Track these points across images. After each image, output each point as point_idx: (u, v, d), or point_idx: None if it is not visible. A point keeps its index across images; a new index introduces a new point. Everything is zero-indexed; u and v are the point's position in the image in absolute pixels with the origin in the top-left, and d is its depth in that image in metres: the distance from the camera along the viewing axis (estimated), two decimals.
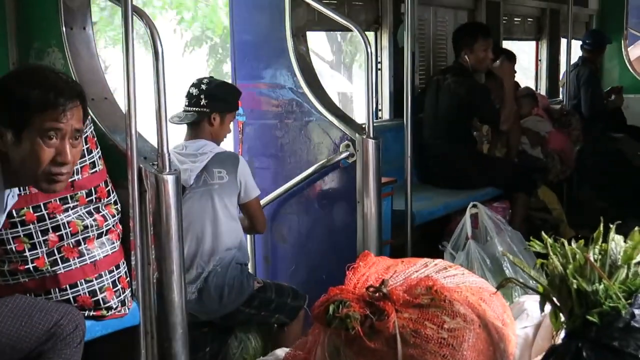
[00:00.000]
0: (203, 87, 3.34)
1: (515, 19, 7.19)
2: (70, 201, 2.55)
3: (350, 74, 11.15)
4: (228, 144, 4.19)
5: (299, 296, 3.36)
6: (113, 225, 2.67)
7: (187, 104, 3.34)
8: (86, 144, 2.59)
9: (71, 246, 2.56)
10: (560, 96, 7.58)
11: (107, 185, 2.67)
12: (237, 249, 3.29)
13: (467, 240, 3.89)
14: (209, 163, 3.23)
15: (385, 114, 5.22)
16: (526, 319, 2.20)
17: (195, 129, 3.34)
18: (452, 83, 5.07)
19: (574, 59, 7.13)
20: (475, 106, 5.13)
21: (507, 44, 6.70)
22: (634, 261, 1.64)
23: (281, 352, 2.38)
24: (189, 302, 3.02)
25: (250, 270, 3.69)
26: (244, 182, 3.30)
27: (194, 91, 3.34)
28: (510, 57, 6.02)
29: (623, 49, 8.28)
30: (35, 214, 2.50)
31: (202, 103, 3.31)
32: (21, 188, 2.46)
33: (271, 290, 3.31)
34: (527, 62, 7.62)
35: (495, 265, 3.70)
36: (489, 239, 3.89)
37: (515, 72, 6.14)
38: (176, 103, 3.32)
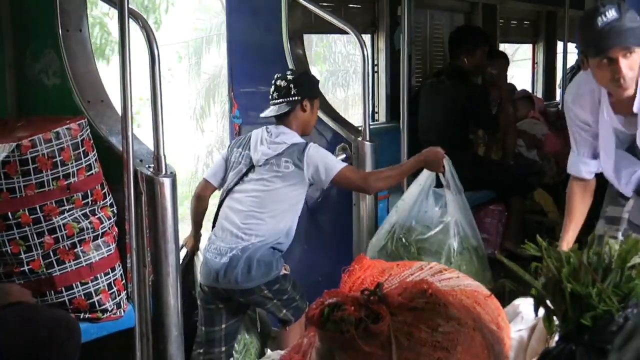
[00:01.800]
0: (289, 77, 3.43)
1: (512, 22, 7.20)
2: (66, 203, 2.56)
3: None
4: (224, 144, 4.20)
5: (304, 298, 3.40)
6: (109, 228, 2.68)
7: (276, 96, 3.41)
8: (82, 147, 2.60)
9: (67, 248, 2.56)
10: (557, 99, 7.60)
11: (103, 188, 2.67)
12: (284, 235, 3.36)
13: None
14: (282, 152, 3.31)
15: (382, 117, 5.23)
16: (521, 322, 2.20)
17: (286, 119, 3.42)
18: (451, 86, 5.07)
19: (571, 62, 7.15)
20: (474, 110, 5.13)
21: (503, 47, 6.71)
22: (628, 265, 1.65)
23: (276, 355, 2.38)
24: (212, 271, 3.22)
25: None
26: (315, 166, 3.32)
27: (282, 83, 3.42)
28: (501, 56, 6.03)
29: None
30: (31, 216, 2.50)
31: (292, 92, 3.40)
32: (16, 190, 2.47)
33: (290, 282, 3.38)
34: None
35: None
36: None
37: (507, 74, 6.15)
38: None
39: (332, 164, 3.34)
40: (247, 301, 3.38)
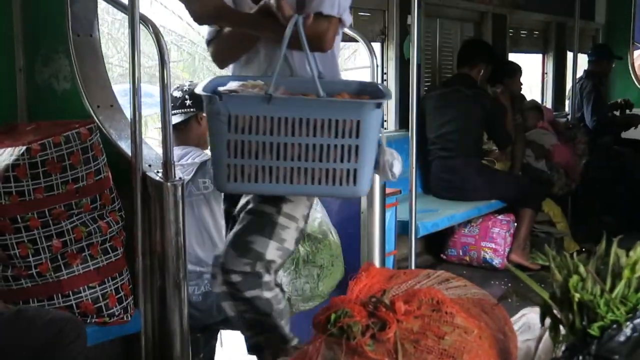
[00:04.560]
0: (186, 89, 3.34)
1: (522, 32, 7.20)
2: (74, 207, 2.56)
3: None
4: None
5: None
6: (117, 232, 2.68)
7: (171, 107, 3.18)
8: (92, 151, 2.61)
9: (75, 252, 2.57)
10: (566, 109, 7.58)
11: (111, 192, 2.68)
12: None
13: None
14: (196, 173, 3.19)
15: (391, 125, 5.23)
16: (528, 331, 2.19)
17: (182, 132, 3.31)
18: (473, 96, 5.08)
19: (580, 72, 7.14)
20: (494, 124, 5.17)
21: (513, 57, 6.71)
22: (636, 275, 1.64)
23: None
24: (192, 306, 3.04)
25: None
26: None
27: (178, 94, 3.32)
28: (516, 70, 6.04)
29: (630, 63, 8.28)
30: (40, 220, 2.51)
31: (187, 104, 3.31)
32: (25, 193, 2.48)
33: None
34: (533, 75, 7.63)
35: None
36: None
37: (522, 84, 6.16)
38: None
39: None
40: (227, 327, 3.30)
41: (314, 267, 3.31)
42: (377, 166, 2.43)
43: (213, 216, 3.22)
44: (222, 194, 3.16)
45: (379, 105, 2.24)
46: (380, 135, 2.37)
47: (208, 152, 3.35)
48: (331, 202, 3.78)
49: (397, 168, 2.48)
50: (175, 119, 3.25)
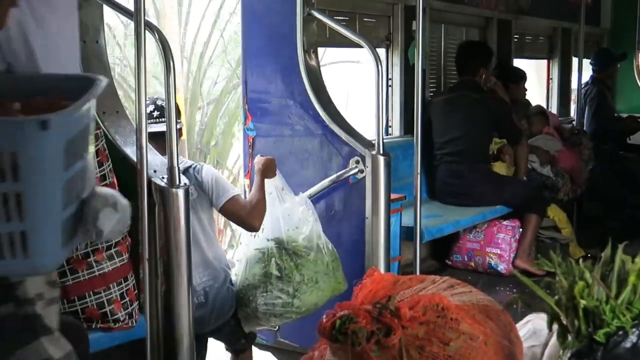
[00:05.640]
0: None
1: (527, 37, 7.20)
2: None
3: None
4: (239, 158, 4.21)
5: None
6: (122, 238, 2.69)
7: (156, 116, 3.25)
8: (97, 157, 2.61)
9: (80, 258, 2.57)
10: (572, 114, 7.58)
11: None
12: (226, 266, 3.34)
13: None
14: None
15: (396, 131, 5.23)
16: (534, 337, 2.19)
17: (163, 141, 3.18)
18: (481, 100, 5.09)
19: (586, 77, 7.14)
20: (504, 123, 5.19)
21: (518, 62, 6.71)
22: None
23: None
24: None
25: None
26: (211, 185, 3.22)
27: (161, 103, 3.26)
28: (522, 76, 6.05)
29: (635, 68, 8.28)
30: None
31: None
32: None
33: None
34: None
35: None
36: None
37: (526, 90, 6.16)
38: None
39: (227, 186, 3.26)
40: (217, 336, 3.40)
41: (289, 283, 3.29)
42: (80, 222, 1.69)
43: (200, 222, 3.23)
44: (210, 200, 3.21)
45: (45, 125, 1.40)
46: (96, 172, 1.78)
47: (188, 160, 3.37)
48: (335, 208, 3.78)
49: (109, 221, 1.74)
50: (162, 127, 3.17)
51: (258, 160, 3.44)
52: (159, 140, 3.05)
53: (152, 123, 3.14)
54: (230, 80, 7.53)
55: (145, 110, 2.57)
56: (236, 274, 3.41)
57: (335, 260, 3.44)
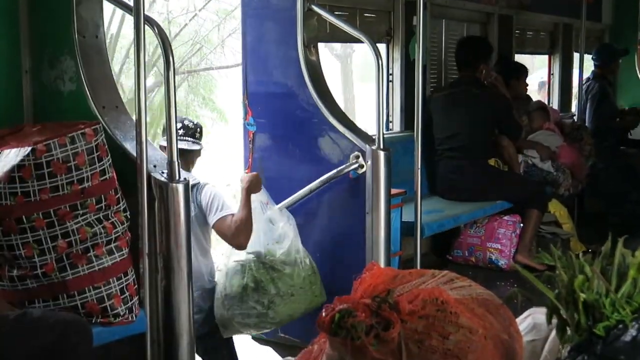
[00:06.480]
0: (195, 122, 3.60)
1: (528, 32, 7.19)
2: (80, 208, 2.57)
3: None
4: (239, 153, 4.21)
5: None
6: (122, 233, 2.69)
7: (181, 134, 3.45)
8: (97, 152, 2.61)
9: (80, 253, 2.57)
10: (573, 110, 7.57)
11: (116, 193, 2.68)
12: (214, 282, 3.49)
13: None
14: None
15: (396, 126, 5.23)
16: (534, 332, 2.18)
17: (187, 157, 3.46)
18: (481, 95, 5.09)
19: (587, 73, 7.13)
20: (504, 118, 5.18)
21: (519, 58, 6.70)
22: None
23: None
24: None
25: None
26: (210, 202, 3.39)
27: (190, 124, 3.55)
28: (523, 71, 6.04)
29: (636, 63, 8.27)
30: (45, 220, 2.51)
31: (197, 136, 3.54)
32: (31, 194, 2.48)
33: None
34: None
35: None
36: None
37: (527, 85, 6.16)
38: None
39: (221, 205, 3.40)
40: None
41: (264, 295, 3.40)
42: None
43: (196, 236, 3.33)
44: (208, 217, 3.40)
45: None
46: None
47: (196, 178, 3.44)
48: (335, 203, 3.78)
49: None
50: (194, 145, 3.50)
51: (243, 177, 3.54)
52: (183, 157, 3.21)
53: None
54: None
55: (146, 104, 2.57)
56: (217, 282, 3.54)
57: (313, 274, 3.55)
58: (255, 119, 4.01)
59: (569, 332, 1.70)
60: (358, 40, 3.78)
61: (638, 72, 8.30)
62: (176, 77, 2.55)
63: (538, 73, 11.32)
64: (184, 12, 11.48)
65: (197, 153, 3.56)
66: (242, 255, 3.48)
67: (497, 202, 5.08)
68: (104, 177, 2.63)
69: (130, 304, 2.66)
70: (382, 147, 3.63)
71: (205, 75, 12.89)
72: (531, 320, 2.19)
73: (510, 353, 1.80)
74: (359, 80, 14.77)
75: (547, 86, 8.04)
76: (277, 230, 3.53)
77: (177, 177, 2.63)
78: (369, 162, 3.64)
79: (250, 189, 3.45)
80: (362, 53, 12.89)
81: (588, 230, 5.73)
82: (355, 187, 3.70)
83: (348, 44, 8.76)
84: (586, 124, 6.75)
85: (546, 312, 1.77)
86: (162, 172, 2.67)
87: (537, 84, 10.96)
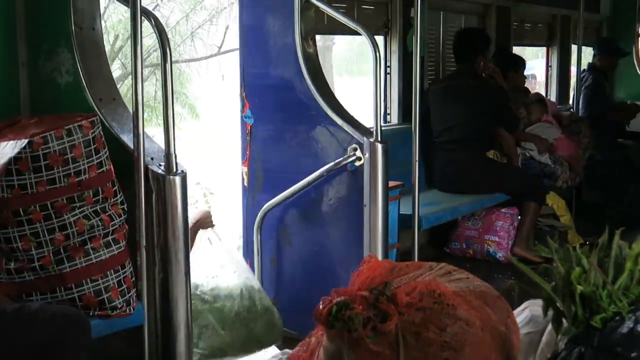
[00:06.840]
0: None
1: (526, 24, 7.18)
2: (77, 200, 2.56)
3: None
4: (236, 145, 4.20)
5: None
6: (119, 225, 2.68)
7: None
8: (94, 144, 2.61)
9: (77, 245, 2.57)
10: (570, 102, 7.57)
11: (113, 185, 2.68)
12: None
13: None
14: None
15: (394, 118, 5.22)
16: (531, 324, 2.19)
17: None
18: (479, 87, 5.09)
19: (584, 65, 7.13)
20: (502, 110, 5.18)
21: (517, 50, 6.70)
22: (639, 267, 1.64)
23: (284, 353, 2.39)
24: None
25: (256, 273, 3.76)
26: None
27: None
28: (520, 63, 6.04)
29: (634, 55, 8.26)
30: (42, 213, 2.51)
31: None
32: (28, 187, 2.48)
33: None
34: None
35: None
36: None
37: (525, 77, 6.15)
38: None
39: None
40: None
41: (194, 325, 3.27)
42: None
43: None
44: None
45: None
46: None
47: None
48: (333, 195, 3.78)
49: None
50: None
51: (196, 213, 3.46)
52: None
53: None
54: None
55: (143, 97, 2.56)
56: None
57: (254, 312, 3.46)
58: (253, 112, 4.01)
59: (565, 324, 1.70)
60: (356, 33, 3.77)
61: (636, 64, 8.29)
62: (143, 70, 2.52)
63: (527, 64, 11.31)
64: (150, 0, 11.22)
65: None
66: None
67: (494, 195, 5.08)
68: (101, 170, 2.63)
69: (127, 296, 2.66)
70: (379, 139, 3.62)
71: (175, 69, 12.66)
72: (528, 313, 2.19)
73: (508, 345, 1.80)
74: (343, 73, 14.51)
75: (536, 78, 8.04)
76: (217, 267, 3.48)
77: (174, 170, 2.62)
78: (367, 155, 3.64)
79: (199, 225, 3.42)
80: (342, 46, 12.69)
81: (585, 223, 5.74)
82: (353, 180, 3.69)
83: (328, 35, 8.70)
84: (580, 114, 6.75)
85: (542, 305, 1.78)
86: (160, 165, 2.66)
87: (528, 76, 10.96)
